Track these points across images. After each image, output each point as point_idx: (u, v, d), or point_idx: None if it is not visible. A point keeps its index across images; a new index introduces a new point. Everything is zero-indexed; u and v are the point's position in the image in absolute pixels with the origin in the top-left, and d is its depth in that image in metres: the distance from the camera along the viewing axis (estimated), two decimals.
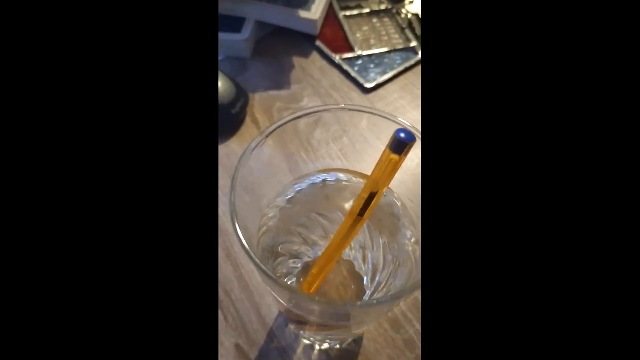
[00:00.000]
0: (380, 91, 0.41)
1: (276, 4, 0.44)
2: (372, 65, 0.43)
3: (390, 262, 0.23)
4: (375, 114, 0.22)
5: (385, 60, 0.43)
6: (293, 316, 0.25)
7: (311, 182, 0.25)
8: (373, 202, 0.19)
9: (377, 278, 0.23)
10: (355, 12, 0.47)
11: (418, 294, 0.30)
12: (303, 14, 0.44)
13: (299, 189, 0.25)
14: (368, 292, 0.22)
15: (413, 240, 0.23)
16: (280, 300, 0.20)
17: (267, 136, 0.21)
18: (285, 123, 0.21)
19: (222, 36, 0.44)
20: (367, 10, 0.47)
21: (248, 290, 0.30)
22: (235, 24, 0.45)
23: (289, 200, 0.24)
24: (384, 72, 0.42)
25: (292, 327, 0.28)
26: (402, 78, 0.42)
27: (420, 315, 0.29)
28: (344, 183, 0.26)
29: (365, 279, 0.23)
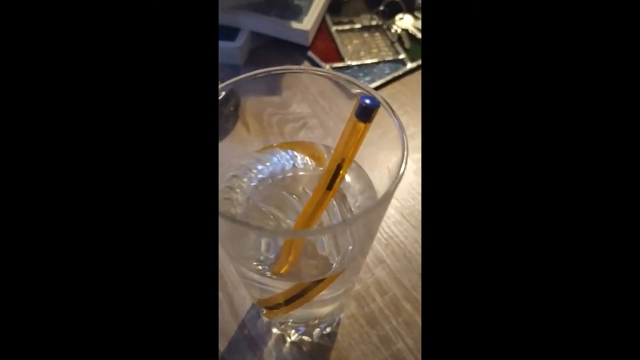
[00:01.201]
0: None
1: (270, 15, 0.46)
2: (360, 74, 0.44)
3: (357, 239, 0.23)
4: (338, 79, 0.22)
5: (374, 70, 0.44)
6: (259, 295, 0.24)
7: (277, 161, 0.26)
8: (340, 174, 0.20)
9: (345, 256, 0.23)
10: (347, 27, 0.49)
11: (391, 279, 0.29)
12: (295, 25, 0.45)
13: (268, 168, 0.25)
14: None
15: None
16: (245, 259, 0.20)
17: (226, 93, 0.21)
18: (247, 77, 0.22)
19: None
20: (358, 26, 0.49)
21: (222, 281, 0.30)
22: (231, 33, 0.46)
23: (259, 180, 0.25)
24: (372, 81, 0.43)
25: (263, 316, 0.28)
26: (389, 87, 0.43)
27: (397, 312, 0.28)
28: (310, 167, 0.26)
29: (332, 259, 0.23)
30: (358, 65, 0.45)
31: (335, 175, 0.20)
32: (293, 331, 0.27)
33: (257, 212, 0.24)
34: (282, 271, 0.21)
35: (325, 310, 0.25)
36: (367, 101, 0.17)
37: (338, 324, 0.28)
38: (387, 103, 0.19)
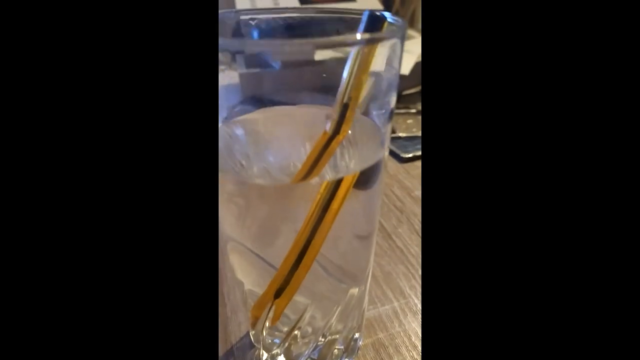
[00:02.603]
0: (417, 162, 0.40)
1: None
2: (410, 143, 0.43)
3: None
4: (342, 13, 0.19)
5: None
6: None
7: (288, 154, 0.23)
8: (348, 114, 0.17)
9: None
10: (402, 110, 0.51)
11: None
12: None
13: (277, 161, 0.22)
14: None
15: None
16: None
17: None
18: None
19: None
20: (413, 110, 0.51)
21: (222, 303, 0.25)
22: None
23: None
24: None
25: (261, 333, 0.22)
26: None
27: None
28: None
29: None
30: (409, 137, 0.44)
31: (342, 117, 0.17)
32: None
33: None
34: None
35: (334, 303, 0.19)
36: (377, 13, 0.16)
37: None
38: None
